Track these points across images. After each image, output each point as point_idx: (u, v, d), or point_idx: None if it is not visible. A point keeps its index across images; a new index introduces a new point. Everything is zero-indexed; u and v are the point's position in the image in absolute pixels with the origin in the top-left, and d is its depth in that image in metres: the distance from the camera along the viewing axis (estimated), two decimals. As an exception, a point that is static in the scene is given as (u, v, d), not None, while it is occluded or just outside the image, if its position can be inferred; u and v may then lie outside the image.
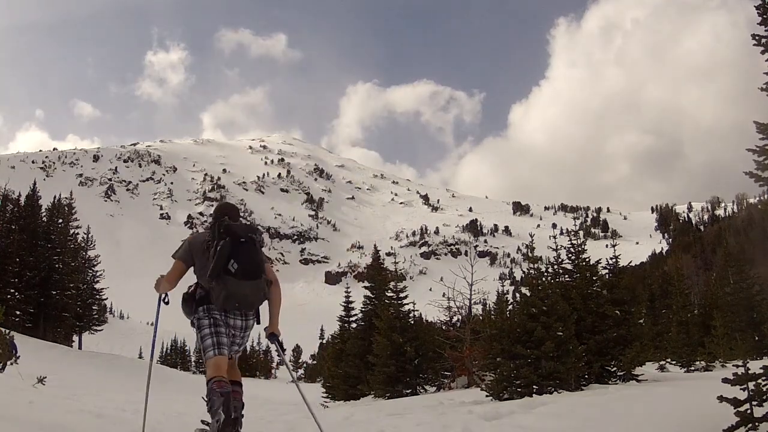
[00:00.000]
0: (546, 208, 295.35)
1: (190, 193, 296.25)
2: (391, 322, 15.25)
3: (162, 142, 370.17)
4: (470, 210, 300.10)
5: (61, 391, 8.97)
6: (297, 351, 76.77)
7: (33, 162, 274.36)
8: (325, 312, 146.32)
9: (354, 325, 22.21)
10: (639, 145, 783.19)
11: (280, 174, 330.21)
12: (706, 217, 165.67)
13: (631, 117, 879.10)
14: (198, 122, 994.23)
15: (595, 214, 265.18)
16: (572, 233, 11.53)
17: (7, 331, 9.58)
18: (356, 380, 17.99)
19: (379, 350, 15.03)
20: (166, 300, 4.44)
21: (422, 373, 15.14)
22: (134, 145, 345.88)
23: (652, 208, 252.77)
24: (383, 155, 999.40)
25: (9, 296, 27.93)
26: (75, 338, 34.06)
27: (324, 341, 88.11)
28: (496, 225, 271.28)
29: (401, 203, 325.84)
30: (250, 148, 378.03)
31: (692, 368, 16.50)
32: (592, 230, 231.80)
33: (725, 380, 4.03)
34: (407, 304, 16.49)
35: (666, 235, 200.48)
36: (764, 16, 4.12)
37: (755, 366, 4.09)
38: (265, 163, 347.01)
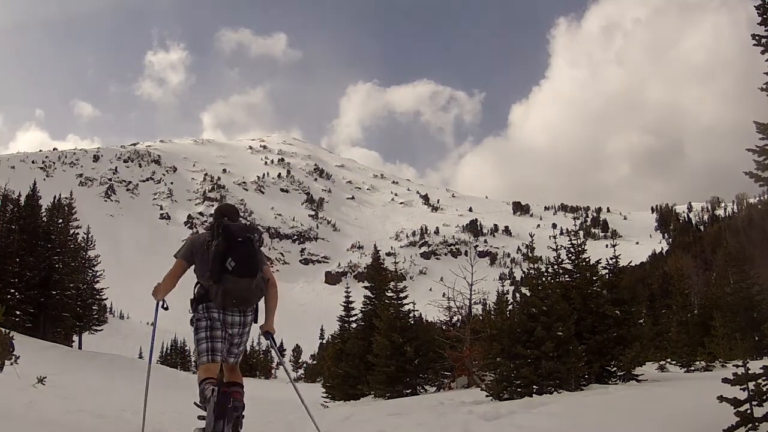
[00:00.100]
0: (546, 208, 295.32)
1: (190, 193, 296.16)
2: (391, 322, 15.25)
3: (162, 142, 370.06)
4: (470, 210, 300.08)
5: (61, 391, 8.97)
6: (297, 351, 76.80)
7: (33, 162, 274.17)
8: (325, 312, 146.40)
9: (354, 325, 22.23)
10: (639, 145, 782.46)
11: (280, 174, 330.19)
12: (706, 217, 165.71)
13: (631, 117, 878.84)
14: (198, 122, 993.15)
15: (595, 214, 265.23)
16: (572, 233, 11.53)
17: (7, 331, 9.57)
18: (356, 380, 17.98)
19: (379, 350, 15.04)
20: (164, 306, 4.55)
21: (422, 373, 15.15)
22: (134, 145, 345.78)
23: (652, 208, 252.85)
24: (383, 155, 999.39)
25: (9, 296, 27.91)
26: (75, 338, 34.05)
27: (324, 341, 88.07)
28: (496, 225, 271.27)
29: (401, 203, 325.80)
30: (250, 148, 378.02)
31: (692, 368, 16.47)
32: (592, 230, 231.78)
33: (725, 380, 4.03)
34: (407, 304, 16.50)
35: (666, 235, 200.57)
36: (764, 16, 4.12)
37: (755, 366, 4.09)
38: (265, 163, 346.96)
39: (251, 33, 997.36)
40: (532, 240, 12.04)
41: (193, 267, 4.49)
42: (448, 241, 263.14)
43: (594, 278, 10.83)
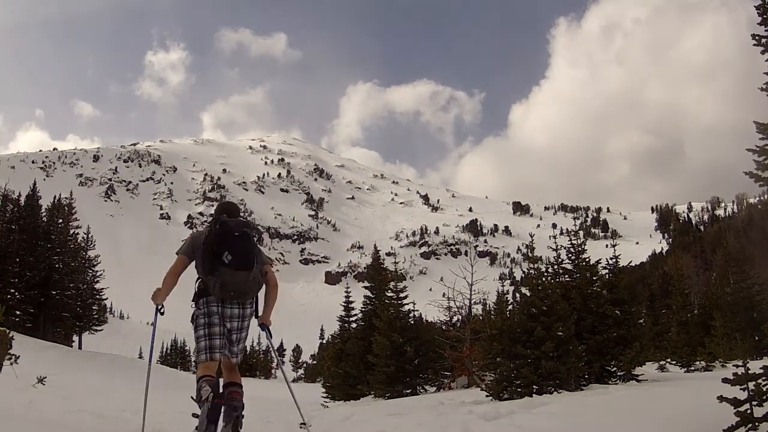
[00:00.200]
0: (546, 208, 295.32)
1: (190, 193, 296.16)
2: (391, 322, 15.24)
3: (162, 142, 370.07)
4: (470, 210, 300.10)
5: (61, 391, 8.97)
6: (297, 351, 76.75)
7: (33, 162, 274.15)
8: (325, 312, 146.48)
9: (354, 325, 22.20)
10: (639, 145, 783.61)
11: (280, 174, 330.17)
12: (706, 217, 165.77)
13: (631, 117, 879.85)
14: (198, 122, 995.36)
15: (595, 214, 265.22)
16: (572, 233, 11.51)
17: (7, 330, 9.58)
18: (356, 380, 17.97)
19: (379, 350, 15.03)
20: (162, 310, 4.63)
21: (422, 373, 15.13)
22: (134, 145, 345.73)
23: (652, 208, 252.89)
24: (383, 155, 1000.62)
25: (9, 296, 27.93)
26: (75, 338, 34.08)
27: (324, 341, 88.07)
28: (496, 225, 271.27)
29: (401, 203, 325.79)
30: (250, 148, 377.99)
31: (692, 368, 16.46)
32: (592, 230, 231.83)
33: (725, 380, 4.03)
34: (407, 304, 16.47)
35: (666, 235, 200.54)
36: (764, 16, 4.11)
37: (755, 366, 4.08)
38: (265, 163, 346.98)
39: (251, 33, 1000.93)
40: (532, 240, 12.00)
41: (194, 263, 4.60)
42: (448, 241, 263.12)
43: (594, 278, 10.81)
